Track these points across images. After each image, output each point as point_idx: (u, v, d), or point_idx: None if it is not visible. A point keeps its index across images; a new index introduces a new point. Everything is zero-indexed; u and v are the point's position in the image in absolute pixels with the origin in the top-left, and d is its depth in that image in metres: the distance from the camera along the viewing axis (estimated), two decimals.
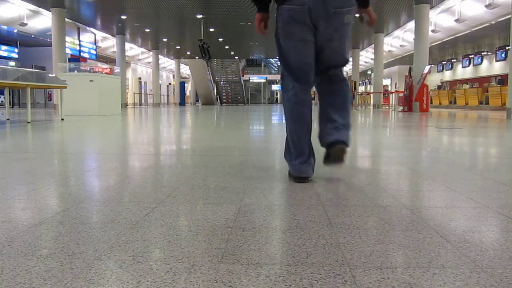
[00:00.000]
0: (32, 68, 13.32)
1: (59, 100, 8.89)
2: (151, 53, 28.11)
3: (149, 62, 29.74)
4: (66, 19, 15.88)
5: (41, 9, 16.07)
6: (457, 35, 18.11)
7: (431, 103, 20.85)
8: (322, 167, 2.42)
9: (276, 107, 23.17)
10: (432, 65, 18.68)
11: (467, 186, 1.90)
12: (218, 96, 34.92)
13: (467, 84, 20.99)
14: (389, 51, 24.22)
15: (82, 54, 18.89)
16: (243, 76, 36.92)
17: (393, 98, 19.33)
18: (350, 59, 25.96)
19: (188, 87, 40.29)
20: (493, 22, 15.30)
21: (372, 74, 22.73)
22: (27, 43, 20.92)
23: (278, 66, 53.25)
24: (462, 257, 1.02)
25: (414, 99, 13.48)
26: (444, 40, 19.36)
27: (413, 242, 1.13)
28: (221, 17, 17.38)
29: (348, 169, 2.46)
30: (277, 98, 52.72)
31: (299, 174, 1.98)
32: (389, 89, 29.46)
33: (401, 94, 16.36)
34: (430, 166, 2.58)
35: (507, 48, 18.08)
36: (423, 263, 0.98)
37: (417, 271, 0.93)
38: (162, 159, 2.94)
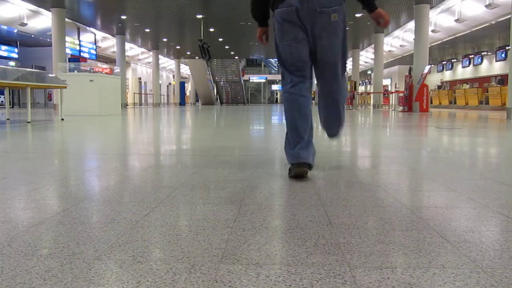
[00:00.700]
0: (32, 68, 13.32)
1: (59, 100, 8.89)
2: (151, 53, 28.12)
3: (149, 62, 29.74)
4: (66, 19, 15.88)
5: (41, 9, 16.07)
6: (457, 35, 18.12)
7: (431, 103, 20.86)
8: (322, 167, 2.42)
9: (276, 107, 23.17)
10: (432, 65, 18.69)
11: (467, 186, 1.90)
12: (218, 96, 34.92)
13: (467, 84, 20.99)
14: (389, 51, 24.23)
15: (82, 54, 18.89)
16: (243, 76, 36.92)
17: (393, 98, 19.34)
18: (350, 58, 25.95)
19: (188, 87, 40.30)
20: (493, 22, 15.30)
21: (372, 74, 22.73)
22: (27, 43, 20.93)
23: (278, 66, 53.26)
24: (462, 257, 1.02)
25: (414, 99, 13.48)
26: (444, 40, 19.37)
27: (413, 242, 1.13)
28: (221, 17, 17.38)
29: (348, 169, 2.46)
30: (277, 98, 52.73)
31: (298, 160, 2.02)
32: (389, 89, 29.47)
33: (401, 94, 16.36)
34: (430, 166, 2.58)
35: (507, 48, 18.08)
36: (423, 263, 0.98)
37: (417, 271, 0.93)
38: (162, 159, 2.94)
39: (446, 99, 21.76)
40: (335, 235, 1.19)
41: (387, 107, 20.70)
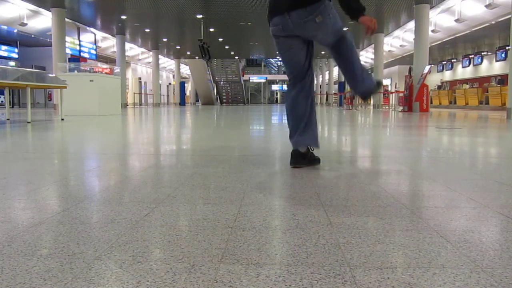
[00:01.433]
0: (32, 68, 13.32)
1: (59, 100, 8.89)
2: (151, 53, 28.11)
3: (149, 62, 29.74)
4: (66, 19, 15.88)
5: (41, 9, 16.06)
6: (457, 35, 18.11)
7: (431, 103, 20.86)
8: (322, 167, 2.42)
9: (276, 107, 23.17)
10: (432, 65, 18.69)
11: (467, 186, 1.90)
12: (218, 96, 34.92)
13: (467, 84, 20.99)
14: (389, 51, 24.23)
15: (82, 54, 18.88)
16: (243, 76, 36.94)
17: (393, 98, 19.34)
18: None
19: (188, 87, 40.30)
20: (493, 22, 15.30)
21: (372, 74, 22.71)
22: (27, 43, 20.93)
23: (278, 66, 53.29)
24: (462, 257, 1.02)
25: (414, 99, 13.48)
26: (444, 40, 19.36)
27: (413, 242, 1.13)
28: (221, 17, 17.38)
29: (348, 169, 2.46)
30: (277, 98, 52.74)
31: (296, 145, 2.37)
32: (389, 89, 29.47)
33: (401, 94, 16.36)
34: (430, 166, 2.58)
35: (507, 48, 18.08)
36: (423, 263, 0.98)
37: (417, 271, 0.93)
38: (162, 159, 2.94)
39: (446, 99, 21.76)
40: (335, 235, 1.19)
41: (387, 107, 20.70)
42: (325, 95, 35.17)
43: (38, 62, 21.38)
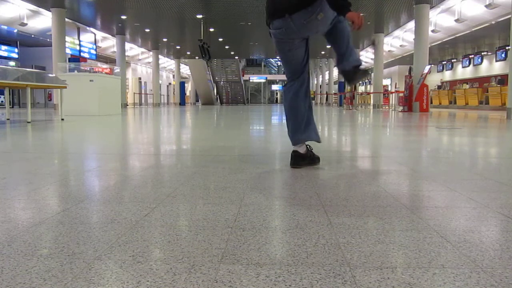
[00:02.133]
0: (32, 68, 13.32)
1: (59, 100, 8.89)
2: (151, 53, 28.11)
3: (149, 62, 29.73)
4: (66, 19, 15.87)
5: (41, 9, 16.06)
6: (457, 35, 18.11)
7: (431, 103, 20.86)
8: (322, 167, 2.42)
9: (276, 107, 23.17)
10: (432, 65, 18.67)
11: (467, 186, 1.90)
12: (218, 96, 34.92)
13: (467, 84, 20.98)
14: (389, 51, 24.23)
15: (82, 54, 18.88)
16: (243, 76, 36.95)
17: (393, 98, 19.33)
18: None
19: (188, 87, 40.29)
20: (493, 22, 15.30)
21: (372, 74, 22.73)
22: (27, 43, 20.92)
23: (278, 66, 53.28)
24: (462, 257, 1.02)
25: (414, 99, 13.48)
26: (444, 40, 19.36)
27: (413, 242, 1.13)
28: (221, 17, 17.38)
29: (348, 169, 2.46)
30: (277, 98, 52.72)
31: (297, 143, 2.39)
32: (389, 89, 29.47)
33: (401, 94, 16.35)
34: (430, 166, 2.58)
35: (507, 48, 18.08)
36: (423, 263, 0.98)
37: (417, 271, 0.93)
38: (162, 159, 2.94)
39: (446, 99, 21.75)
40: (335, 235, 1.19)
41: (387, 107, 20.70)
42: (325, 95, 35.17)
43: (38, 62, 21.37)
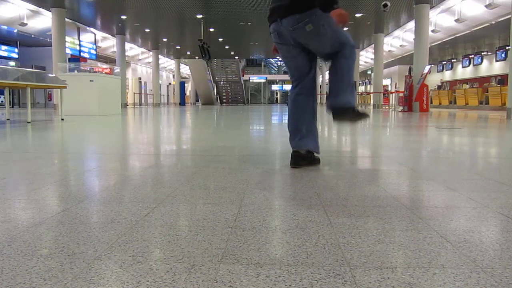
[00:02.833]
0: (32, 68, 13.32)
1: (59, 100, 8.89)
2: (151, 53, 28.12)
3: (149, 62, 29.74)
4: (66, 19, 15.88)
5: (41, 9, 16.07)
6: (457, 35, 18.11)
7: (431, 103, 20.86)
8: (322, 167, 2.42)
9: (276, 107, 23.17)
10: (432, 65, 18.68)
11: (467, 186, 1.90)
12: (218, 96, 34.91)
13: (467, 84, 20.99)
14: (389, 51, 24.23)
15: (82, 54, 18.89)
16: (243, 76, 36.94)
17: (393, 98, 19.33)
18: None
19: (188, 87, 40.29)
20: (493, 22, 15.30)
21: (372, 74, 22.73)
22: (27, 43, 20.92)
23: (278, 66, 53.29)
24: (462, 257, 1.02)
25: (414, 99, 13.48)
26: (444, 40, 19.37)
27: (413, 242, 1.13)
28: (221, 17, 17.38)
29: (348, 169, 2.46)
30: (277, 98, 52.73)
31: (296, 148, 2.38)
32: (389, 89, 29.47)
33: (401, 94, 16.35)
34: (430, 166, 2.58)
35: (507, 48, 18.08)
36: (423, 263, 0.98)
37: (417, 271, 0.93)
38: (162, 159, 2.94)
39: (446, 99, 21.76)
40: (335, 235, 1.19)
41: (387, 107, 20.70)
42: (325, 95, 35.18)
43: (38, 62, 21.37)
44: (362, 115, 2.24)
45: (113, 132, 5.48)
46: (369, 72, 33.30)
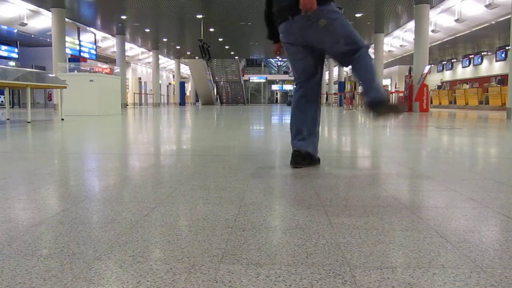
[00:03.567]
0: (32, 68, 13.32)
1: (59, 100, 8.89)
2: (151, 53, 28.11)
3: (149, 62, 29.74)
4: (66, 19, 15.88)
5: (41, 9, 16.07)
6: (457, 35, 18.11)
7: (431, 103, 20.86)
8: (322, 167, 2.42)
9: (276, 107, 23.16)
10: (432, 65, 18.67)
11: (467, 186, 1.90)
12: (218, 96, 34.92)
13: (467, 84, 20.99)
14: (389, 51, 24.23)
15: (82, 54, 18.88)
16: (243, 76, 36.95)
17: (393, 98, 19.32)
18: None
19: (188, 87, 40.29)
20: (493, 22, 15.30)
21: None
22: (27, 43, 20.92)
23: (278, 66, 53.29)
24: (462, 257, 1.02)
25: (414, 99, 13.48)
26: (444, 40, 19.36)
27: (413, 242, 1.13)
28: (221, 17, 17.38)
29: (348, 169, 2.46)
30: (277, 98, 52.73)
31: (297, 147, 2.39)
32: (389, 89, 29.47)
33: (401, 94, 16.35)
34: (430, 166, 2.58)
35: (507, 48, 18.08)
36: (423, 263, 0.98)
37: (417, 271, 0.93)
38: (162, 159, 2.94)
39: (446, 99, 21.76)
40: (335, 235, 1.19)
41: None
42: (325, 95, 35.20)
43: (38, 62, 21.38)
44: (397, 108, 2.22)
45: (113, 132, 5.48)
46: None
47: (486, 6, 14.04)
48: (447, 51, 23.48)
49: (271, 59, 50.17)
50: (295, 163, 2.38)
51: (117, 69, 14.13)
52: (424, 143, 4.07)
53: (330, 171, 2.34)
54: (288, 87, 51.86)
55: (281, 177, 2.17)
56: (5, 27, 16.99)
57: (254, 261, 0.99)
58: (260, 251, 1.06)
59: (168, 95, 37.65)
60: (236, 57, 32.20)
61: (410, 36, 18.69)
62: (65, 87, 8.51)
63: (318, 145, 2.47)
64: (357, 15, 16.30)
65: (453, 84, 22.83)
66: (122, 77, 17.03)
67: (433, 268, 0.95)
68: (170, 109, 18.50)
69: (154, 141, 4.15)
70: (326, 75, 37.57)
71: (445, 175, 2.19)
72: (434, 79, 24.69)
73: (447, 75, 25.20)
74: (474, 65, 22.05)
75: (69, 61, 15.06)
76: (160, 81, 30.38)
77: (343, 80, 29.31)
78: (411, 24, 17.14)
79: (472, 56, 22.06)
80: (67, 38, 16.46)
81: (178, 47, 26.86)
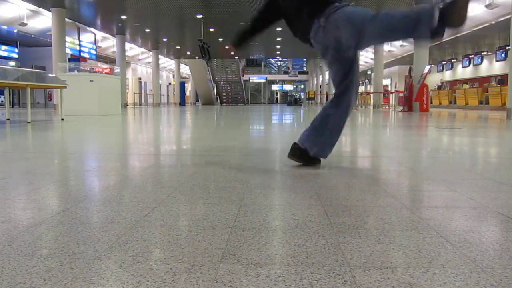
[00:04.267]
0: (32, 68, 13.32)
1: (59, 100, 8.89)
2: (151, 53, 28.11)
3: (149, 62, 29.73)
4: (66, 19, 15.87)
5: (41, 9, 16.06)
6: (457, 35, 18.10)
7: (431, 103, 20.85)
8: (322, 167, 2.42)
9: (276, 107, 23.16)
10: (432, 65, 18.69)
11: (467, 186, 1.90)
12: (218, 96, 34.92)
13: (467, 84, 20.99)
14: (389, 51, 24.23)
15: (82, 54, 18.88)
16: (243, 76, 36.94)
17: (393, 98, 19.33)
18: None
19: (188, 87, 40.29)
20: (493, 22, 15.30)
21: (372, 74, 22.73)
22: (27, 43, 20.93)
23: (278, 66, 53.29)
24: (462, 257, 1.02)
25: (414, 99, 13.48)
26: (444, 40, 19.34)
27: (413, 242, 1.13)
28: (221, 17, 17.38)
29: (348, 169, 2.46)
30: (277, 98, 52.74)
31: (300, 141, 2.39)
32: (389, 89, 29.46)
33: (401, 94, 16.35)
34: (430, 166, 2.58)
35: (507, 48, 18.07)
36: (423, 263, 0.98)
37: (417, 271, 0.93)
38: (162, 159, 2.94)
39: (446, 99, 21.76)
40: (335, 235, 1.19)
41: (387, 107, 20.69)
42: (325, 95, 35.19)
43: (38, 62, 21.37)
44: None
45: (113, 132, 5.48)
46: (369, 72, 33.31)
47: (486, 6, 14.04)
48: (447, 51, 23.48)
49: (271, 59, 50.17)
50: (292, 154, 2.42)
51: (117, 69, 14.13)
52: (424, 143, 4.07)
53: (330, 171, 2.34)
54: (288, 87, 51.89)
55: (281, 177, 2.17)
56: (5, 27, 17.00)
57: (254, 261, 0.99)
58: (260, 251, 1.06)
59: (168, 95, 37.64)
60: (236, 57, 32.18)
61: None
62: (65, 87, 8.51)
63: (320, 155, 2.42)
64: None
65: (453, 84, 22.83)
66: (122, 77, 17.03)
67: (433, 268, 0.95)
68: (170, 109, 18.50)
69: (154, 141, 4.15)
70: (326, 75, 37.57)
71: (445, 175, 2.19)
72: (434, 79, 24.69)
73: (447, 75, 25.20)
74: (474, 65, 22.04)
75: (69, 61, 15.07)
76: (160, 81, 30.38)
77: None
78: None
79: (472, 56, 22.05)
80: (67, 38, 16.46)
81: (178, 47, 26.85)
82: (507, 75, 10.73)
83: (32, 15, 16.55)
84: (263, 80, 50.14)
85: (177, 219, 1.37)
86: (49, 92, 22.58)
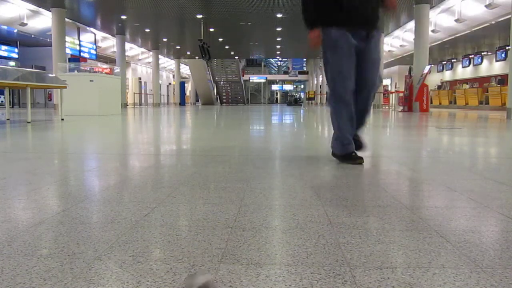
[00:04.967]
0: (32, 68, 13.31)
1: (59, 100, 8.89)
2: (151, 53, 28.11)
3: (149, 62, 29.73)
4: (66, 19, 15.87)
5: (41, 9, 16.06)
6: (457, 35, 18.10)
7: (431, 103, 20.84)
8: (322, 167, 2.42)
9: (276, 107, 23.16)
10: (432, 65, 18.66)
11: (467, 186, 1.90)
12: (218, 96, 34.92)
13: (467, 84, 20.98)
14: (389, 51, 24.21)
15: (82, 54, 18.88)
16: (243, 76, 36.95)
17: (393, 98, 19.33)
18: None
19: (188, 87, 40.29)
20: (493, 22, 15.29)
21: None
22: (27, 43, 20.92)
23: (278, 66, 53.28)
24: (462, 257, 1.02)
25: (414, 99, 13.48)
26: (444, 40, 19.35)
27: (413, 242, 1.13)
28: (221, 17, 17.38)
29: (348, 169, 2.46)
30: (277, 98, 52.74)
31: (346, 152, 2.57)
32: (389, 89, 29.46)
33: (401, 94, 16.35)
34: (430, 166, 2.58)
35: (507, 48, 18.07)
36: (423, 263, 0.98)
37: (417, 271, 0.93)
38: (162, 159, 2.94)
39: (446, 99, 21.75)
40: (335, 235, 1.19)
41: (387, 107, 20.69)
42: (325, 95, 35.20)
43: (38, 62, 21.36)
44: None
45: (113, 132, 5.48)
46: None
47: (486, 6, 14.03)
48: (447, 51, 23.46)
49: (271, 59, 50.16)
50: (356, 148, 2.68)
51: (117, 69, 14.13)
52: (424, 143, 4.07)
53: (330, 171, 2.34)
54: (288, 87, 51.87)
55: (281, 177, 2.17)
56: (5, 27, 17.00)
57: (254, 261, 0.99)
58: (260, 251, 1.06)
59: (168, 95, 37.64)
60: (236, 57, 32.20)
61: (410, 36, 18.67)
62: (65, 87, 8.51)
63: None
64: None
65: (453, 84, 22.82)
66: (122, 77, 17.02)
67: (433, 268, 0.95)
68: (170, 109, 18.49)
69: (154, 141, 4.15)
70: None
71: (445, 175, 2.19)
72: (434, 79, 24.68)
73: (447, 75, 25.19)
74: (474, 65, 22.03)
75: (69, 61, 15.06)
76: (160, 81, 30.37)
77: None
78: (411, 24, 17.12)
79: (472, 56, 22.04)
80: (67, 38, 16.46)
81: (178, 47, 26.85)
82: (507, 75, 10.73)
83: (32, 15, 16.55)
84: (263, 80, 50.14)
85: (177, 219, 1.37)
86: (49, 92, 22.58)
